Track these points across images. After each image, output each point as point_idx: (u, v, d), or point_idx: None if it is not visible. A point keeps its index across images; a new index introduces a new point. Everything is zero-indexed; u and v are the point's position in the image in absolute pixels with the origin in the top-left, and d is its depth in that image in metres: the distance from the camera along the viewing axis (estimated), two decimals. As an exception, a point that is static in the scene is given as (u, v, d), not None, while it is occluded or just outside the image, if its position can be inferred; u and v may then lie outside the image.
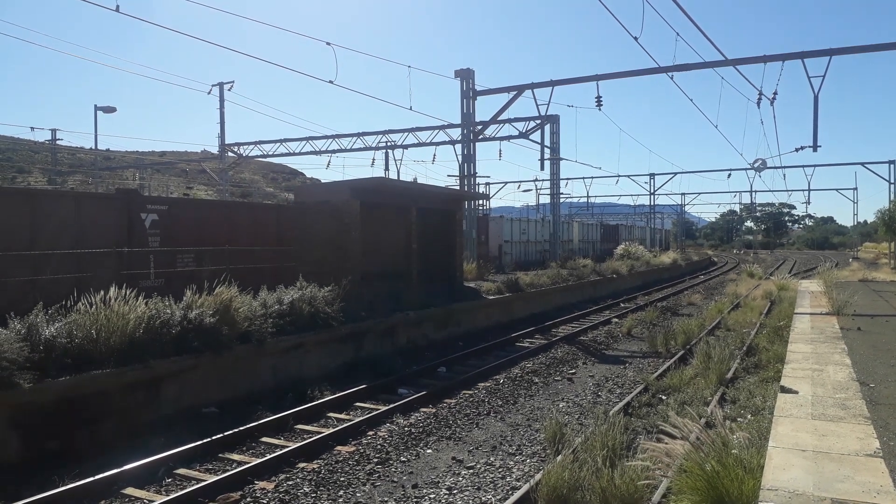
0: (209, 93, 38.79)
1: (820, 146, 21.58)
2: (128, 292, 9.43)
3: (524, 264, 34.01)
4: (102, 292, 9.22)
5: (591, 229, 52.49)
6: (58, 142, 44.58)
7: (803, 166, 54.35)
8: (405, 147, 36.62)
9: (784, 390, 7.32)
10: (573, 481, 6.32)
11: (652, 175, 63.04)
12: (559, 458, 7.13)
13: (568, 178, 72.36)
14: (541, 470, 7.23)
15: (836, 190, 61.40)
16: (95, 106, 36.48)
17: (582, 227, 50.04)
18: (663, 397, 10.71)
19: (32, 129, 71.12)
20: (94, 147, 41.89)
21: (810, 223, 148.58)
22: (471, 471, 7.80)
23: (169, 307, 9.92)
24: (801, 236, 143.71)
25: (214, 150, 42.79)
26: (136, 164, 56.70)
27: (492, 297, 19.89)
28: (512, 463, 8.06)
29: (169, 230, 13.70)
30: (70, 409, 8.08)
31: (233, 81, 38.65)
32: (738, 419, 8.39)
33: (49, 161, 54.05)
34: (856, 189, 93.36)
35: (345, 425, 9.22)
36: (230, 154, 41.30)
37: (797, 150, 23.66)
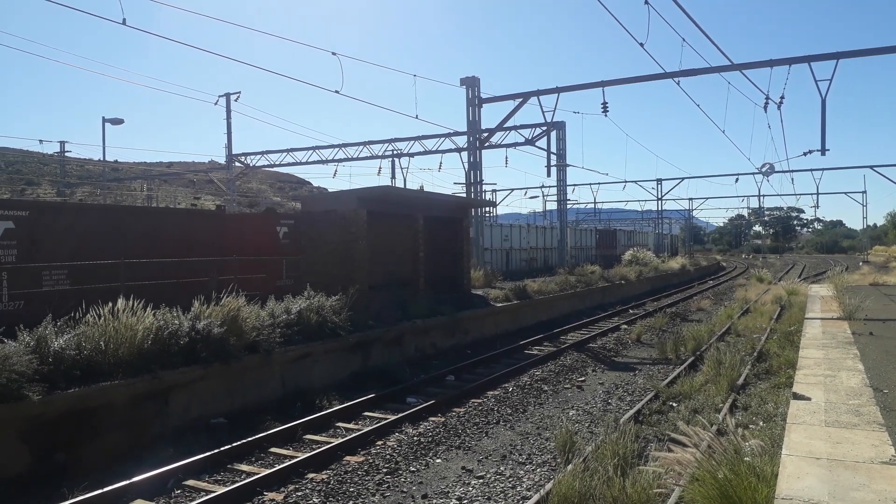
0: (216, 103, 38.95)
1: (828, 150, 21.48)
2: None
3: (505, 274, 31.06)
4: (111, 304, 9.23)
5: (586, 235, 50.39)
6: (66, 154, 44.89)
7: (811, 170, 54.05)
8: (411, 155, 36.67)
9: (796, 397, 7.24)
10: (584, 490, 6.26)
11: (659, 180, 62.85)
12: (570, 467, 7.08)
13: (575, 185, 71.77)
14: (551, 479, 7.18)
15: (845, 193, 61.19)
16: (103, 118, 36.72)
17: (575, 232, 48.08)
18: (674, 404, 10.63)
19: (41, 141, 72.18)
20: (102, 158, 42.16)
21: (819, 227, 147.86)
22: (481, 480, 7.75)
23: (177, 318, 9.92)
24: (810, 240, 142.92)
25: (222, 160, 42.98)
26: (144, 175, 57.03)
27: (499, 305, 19.84)
28: (522, 472, 8.00)
29: (31, 241, 11.29)
30: (79, 421, 8.08)
31: (239, 92, 38.84)
32: (750, 426, 8.31)
33: (58, 173, 54.42)
34: (865, 192, 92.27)
35: (353, 435, 9.19)
36: (237, 164, 41.46)
37: (805, 153, 23.64)
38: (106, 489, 7.03)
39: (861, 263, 56.87)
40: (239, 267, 13.56)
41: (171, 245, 13.46)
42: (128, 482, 7.24)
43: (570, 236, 44.55)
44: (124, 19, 14.01)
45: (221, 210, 18.21)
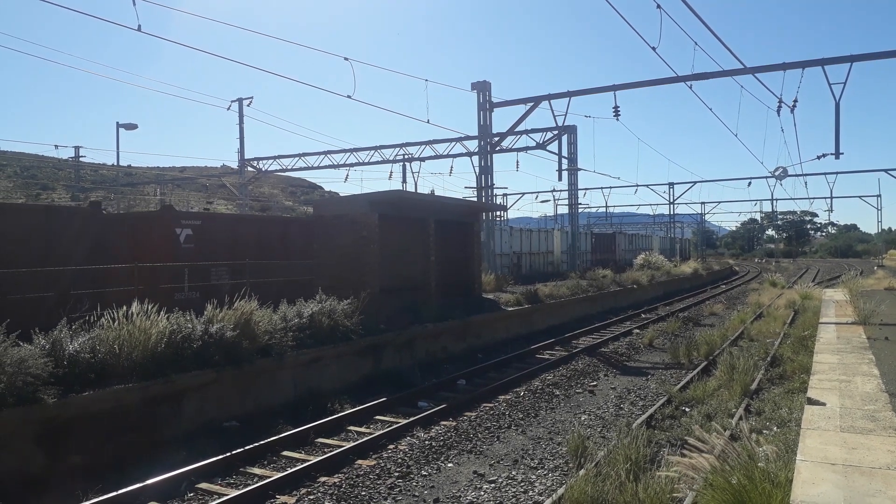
0: (228, 108, 39.27)
1: (842, 153, 21.32)
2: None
3: (516, 278, 29.67)
4: (125, 307, 9.31)
5: (580, 239, 43.88)
6: (81, 159, 45.28)
7: (825, 174, 53.60)
8: (422, 160, 36.74)
9: (811, 402, 7.18)
10: (596, 495, 6.24)
11: (671, 184, 62.52)
12: (582, 471, 7.06)
13: (586, 189, 71.71)
14: (563, 484, 7.16)
15: (860, 197, 60.68)
16: (117, 123, 37.08)
17: (566, 236, 42.84)
18: (687, 409, 10.57)
19: (56, 146, 72.90)
20: (116, 163, 42.52)
21: (833, 231, 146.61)
22: (493, 485, 7.74)
23: (190, 322, 9.98)
24: (824, 244, 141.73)
25: (234, 164, 43.26)
26: (157, 180, 57.52)
27: (511, 309, 19.81)
28: (534, 477, 7.98)
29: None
30: (93, 424, 8.14)
31: (252, 97, 39.13)
32: (764, 431, 8.25)
33: (73, 178, 54.93)
34: (879, 196, 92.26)
35: (365, 439, 9.21)
36: (250, 168, 41.71)
37: (819, 157, 23.43)
38: (120, 491, 7.09)
39: (876, 268, 56.29)
40: (115, 276, 11.21)
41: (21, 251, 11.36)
42: (141, 485, 7.29)
43: (559, 241, 42.70)
44: (139, 26, 14.13)
45: (97, 207, 14.10)
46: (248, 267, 13.66)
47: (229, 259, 14.49)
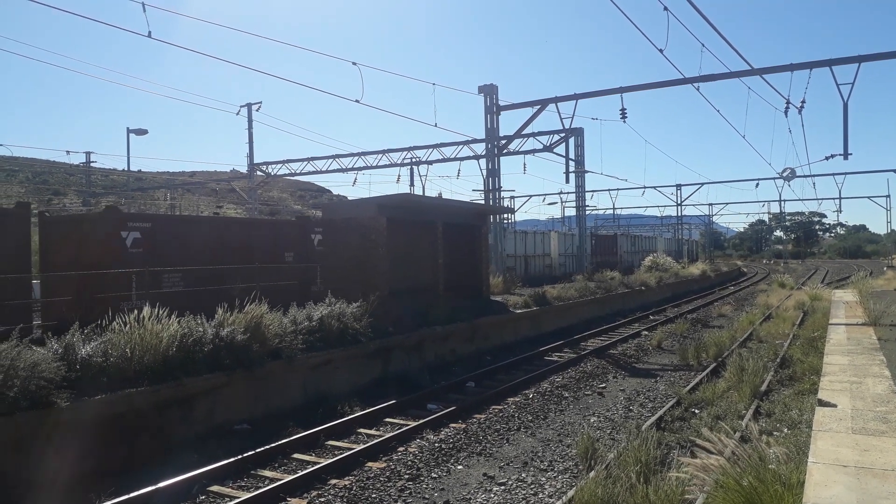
0: (237, 113, 39.44)
1: (851, 153, 21.27)
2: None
3: (524, 280, 29.80)
4: (136, 311, 9.38)
5: (578, 241, 42.53)
6: (92, 164, 45.59)
7: (833, 174, 53.51)
8: (430, 163, 36.73)
9: (822, 403, 7.16)
10: (607, 497, 6.24)
11: (678, 186, 62.42)
12: (592, 473, 7.06)
13: (593, 191, 71.58)
14: (573, 486, 7.18)
15: (869, 198, 60.32)
16: (128, 128, 37.34)
17: (563, 238, 43.22)
18: (696, 411, 10.55)
19: (68, 152, 73.12)
20: (126, 168, 42.78)
21: (842, 232, 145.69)
22: (502, 487, 7.75)
23: (201, 325, 10.04)
24: (833, 245, 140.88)
25: (243, 169, 43.39)
26: (167, 185, 57.79)
27: (519, 311, 19.81)
28: (544, 479, 7.98)
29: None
30: (106, 427, 8.20)
31: (260, 102, 39.30)
32: (775, 433, 8.23)
33: (84, 183, 55.26)
34: (888, 196, 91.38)
35: (375, 441, 9.24)
36: (259, 173, 41.85)
37: (827, 158, 23.43)
38: (132, 494, 7.13)
39: (886, 269, 55.90)
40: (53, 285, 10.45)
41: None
42: (153, 487, 7.34)
43: (556, 243, 41.60)
44: (150, 32, 14.25)
45: (25, 208, 12.35)
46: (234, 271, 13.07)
47: (185, 265, 13.45)
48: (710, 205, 75.68)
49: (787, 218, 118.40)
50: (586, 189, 33.97)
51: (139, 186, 53.78)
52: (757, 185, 56.38)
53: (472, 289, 20.33)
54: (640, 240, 61.21)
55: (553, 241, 41.74)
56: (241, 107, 39.36)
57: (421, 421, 10.25)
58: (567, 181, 30.45)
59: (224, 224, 17.64)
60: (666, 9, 14.92)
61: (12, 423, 7.22)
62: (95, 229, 13.06)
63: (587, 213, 37.66)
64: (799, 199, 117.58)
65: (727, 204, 79.31)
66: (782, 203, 67.93)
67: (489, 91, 26.67)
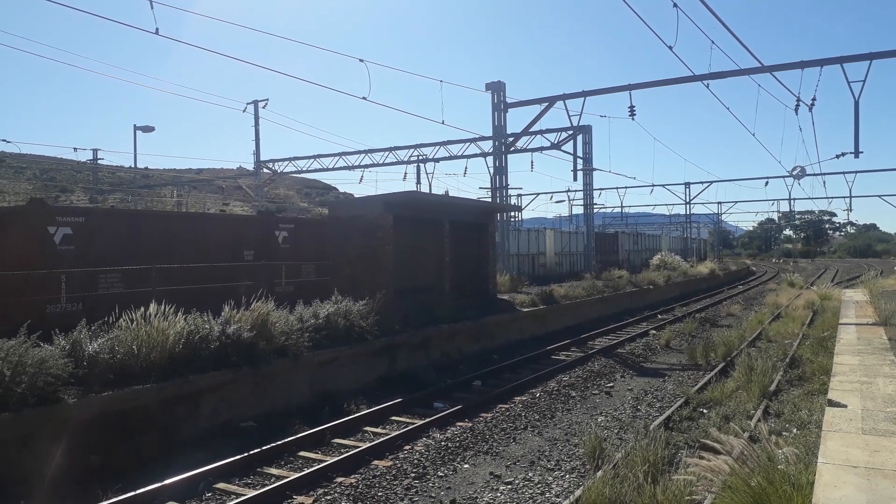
0: (244, 111, 39.56)
1: (862, 152, 21.02)
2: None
3: (531, 278, 29.49)
4: (143, 308, 9.39)
5: (576, 239, 42.57)
6: (99, 161, 45.81)
7: (844, 173, 53.10)
8: (437, 160, 36.75)
9: (832, 404, 7.10)
10: (614, 497, 6.20)
11: (687, 184, 62.05)
12: (599, 473, 7.02)
13: (601, 189, 71.52)
14: (581, 486, 7.14)
15: (880, 196, 59.83)
16: (135, 126, 37.34)
17: (560, 236, 42.11)
18: (704, 411, 10.49)
19: (75, 149, 73.32)
20: (133, 166, 42.94)
21: (852, 231, 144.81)
22: (509, 486, 7.71)
23: (208, 322, 10.05)
24: (843, 244, 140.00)
25: (250, 166, 43.51)
26: (174, 182, 57.99)
27: (526, 310, 19.76)
28: (551, 479, 7.95)
29: None
30: (112, 424, 8.21)
31: (267, 99, 39.33)
32: (784, 433, 8.16)
33: (91, 180, 55.55)
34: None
35: (381, 439, 9.22)
36: (265, 170, 41.94)
37: (838, 156, 23.24)
38: (139, 491, 7.14)
39: (896, 268, 55.57)
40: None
41: None
42: (160, 484, 7.34)
43: (551, 242, 40.59)
44: (157, 29, 14.28)
45: None
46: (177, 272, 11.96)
47: (127, 263, 12.24)
48: (719, 203, 75.39)
49: (797, 217, 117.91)
50: (594, 187, 33.88)
51: (146, 184, 54.02)
52: (766, 183, 56.06)
53: (478, 287, 20.30)
54: (644, 238, 60.76)
55: (549, 240, 40.55)
56: (248, 104, 39.48)
57: (427, 419, 10.23)
58: (575, 179, 30.23)
59: (173, 219, 16.35)
60: (676, 5, 14.84)
61: (20, 418, 7.24)
62: (19, 224, 11.76)
63: (595, 211, 37.50)
64: (809, 198, 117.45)
65: (736, 202, 79.35)
66: (792, 202, 67.53)
67: (497, 88, 26.61)
